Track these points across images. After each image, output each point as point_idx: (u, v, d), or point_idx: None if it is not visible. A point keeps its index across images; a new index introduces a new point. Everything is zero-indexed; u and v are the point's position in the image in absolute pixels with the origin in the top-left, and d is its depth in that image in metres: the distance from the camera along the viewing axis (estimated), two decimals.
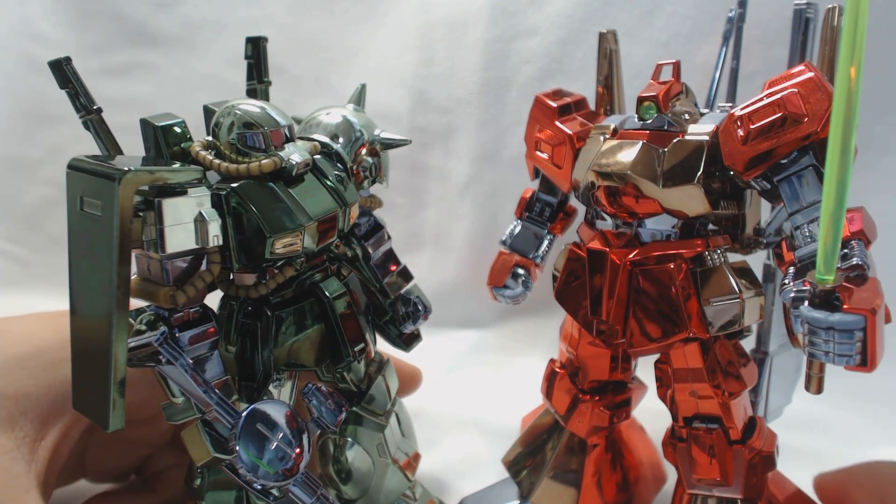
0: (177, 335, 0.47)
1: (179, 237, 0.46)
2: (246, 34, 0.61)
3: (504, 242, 0.79)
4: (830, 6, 0.59)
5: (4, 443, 0.53)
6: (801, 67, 0.52)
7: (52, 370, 0.57)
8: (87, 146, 0.48)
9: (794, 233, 0.52)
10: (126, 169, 0.42)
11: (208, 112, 0.55)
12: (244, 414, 0.46)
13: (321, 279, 0.57)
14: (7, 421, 0.54)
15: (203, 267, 0.49)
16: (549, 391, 0.74)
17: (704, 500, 0.63)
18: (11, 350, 0.57)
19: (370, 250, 0.68)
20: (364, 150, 0.61)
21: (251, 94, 0.61)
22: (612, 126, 0.63)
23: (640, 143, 0.58)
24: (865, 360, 0.43)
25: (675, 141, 0.57)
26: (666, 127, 0.58)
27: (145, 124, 0.51)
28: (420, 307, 0.69)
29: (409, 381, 0.85)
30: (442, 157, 1.19)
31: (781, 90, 0.51)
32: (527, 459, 0.78)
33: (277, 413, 0.48)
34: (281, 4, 1.22)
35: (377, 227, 0.69)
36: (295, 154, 0.51)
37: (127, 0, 1.25)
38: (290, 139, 0.52)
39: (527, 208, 0.78)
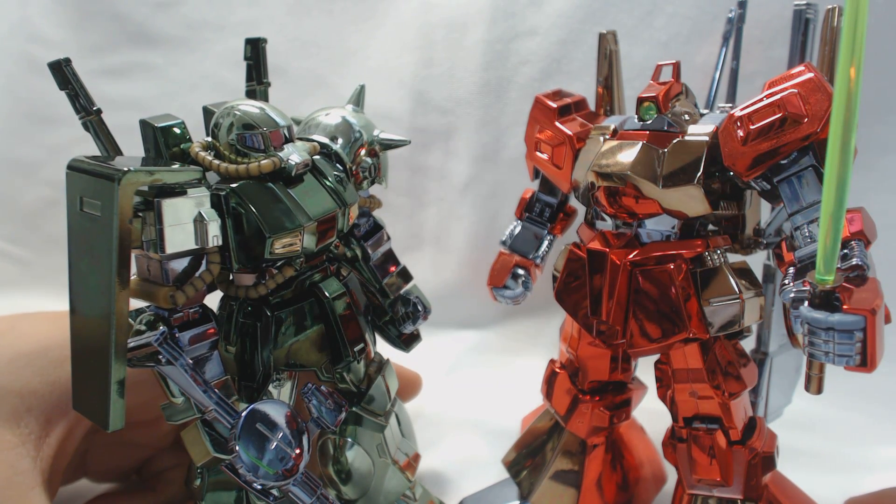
0: (176, 335, 0.47)
1: (179, 237, 0.46)
2: (246, 35, 0.61)
3: (504, 243, 0.79)
4: (830, 7, 0.59)
5: (10, 439, 0.53)
6: (801, 68, 0.52)
7: (58, 367, 0.57)
8: (87, 147, 0.48)
9: (794, 233, 0.52)
10: (125, 169, 0.42)
11: (207, 113, 0.55)
12: (244, 414, 0.46)
13: (320, 279, 0.57)
14: (12, 417, 0.54)
15: (203, 267, 0.49)
16: (549, 392, 0.74)
17: (704, 501, 0.63)
18: (18, 347, 0.57)
19: (369, 251, 0.68)
20: (363, 151, 0.61)
21: (250, 94, 0.61)
22: (612, 127, 0.63)
23: (640, 143, 0.58)
24: (865, 361, 0.43)
25: (674, 141, 0.57)
26: (666, 127, 0.58)
27: (145, 125, 0.51)
28: (420, 307, 0.69)
29: (410, 386, 0.85)
30: (442, 157, 1.19)
31: (781, 91, 0.51)
32: (527, 460, 0.78)
33: (277, 413, 0.48)
34: (281, 5, 1.22)
35: (376, 228, 0.69)
36: (294, 154, 0.51)
37: (127, 0, 1.25)
38: (289, 140, 0.52)
39: (527, 209, 0.78)
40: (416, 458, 0.72)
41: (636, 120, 0.60)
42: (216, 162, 0.50)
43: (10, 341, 0.58)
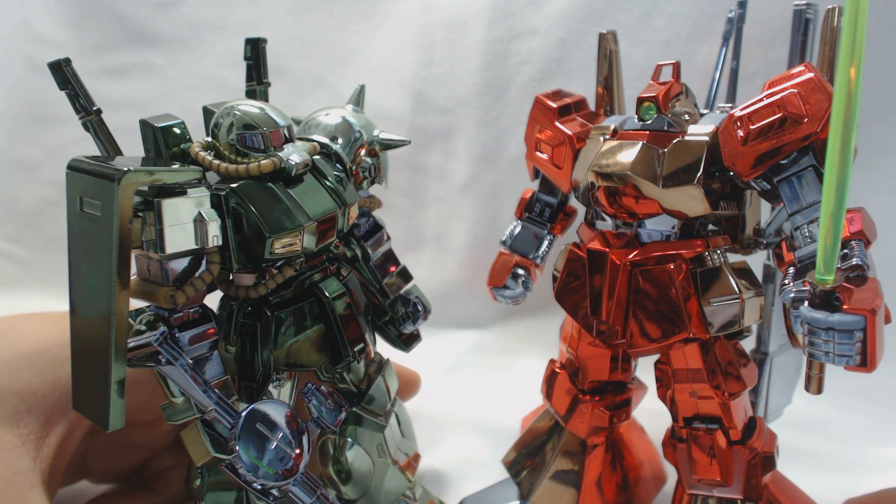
0: (176, 335, 0.47)
1: (179, 237, 0.46)
2: (246, 35, 0.61)
3: (504, 243, 0.79)
4: (830, 6, 0.59)
5: (10, 439, 0.53)
6: (801, 68, 0.52)
7: (58, 368, 0.57)
8: (87, 147, 0.48)
9: (794, 233, 0.52)
10: (126, 169, 0.42)
11: (208, 113, 0.55)
12: (244, 414, 0.46)
13: (320, 279, 0.57)
14: (12, 417, 0.54)
15: (203, 267, 0.49)
16: (549, 392, 0.74)
17: (704, 501, 0.63)
18: (18, 347, 0.57)
19: (369, 251, 0.68)
20: (363, 151, 0.61)
21: (250, 94, 0.61)
22: (612, 127, 0.63)
23: (640, 143, 0.58)
24: (865, 361, 0.43)
25: (674, 141, 0.57)
26: (666, 127, 0.58)
27: (145, 125, 0.51)
28: (420, 307, 0.69)
29: (409, 385, 0.85)
30: (442, 157, 1.19)
31: (781, 91, 0.51)
32: (527, 460, 0.78)
33: (277, 413, 0.48)
34: (281, 5, 1.22)
35: (376, 228, 0.69)
36: (294, 154, 0.51)
37: (127, 0, 1.25)
38: (289, 140, 0.52)
39: (527, 209, 0.78)
40: (416, 458, 0.72)
41: (636, 120, 0.60)
42: (216, 162, 0.50)
43: (10, 342, 0.58)
